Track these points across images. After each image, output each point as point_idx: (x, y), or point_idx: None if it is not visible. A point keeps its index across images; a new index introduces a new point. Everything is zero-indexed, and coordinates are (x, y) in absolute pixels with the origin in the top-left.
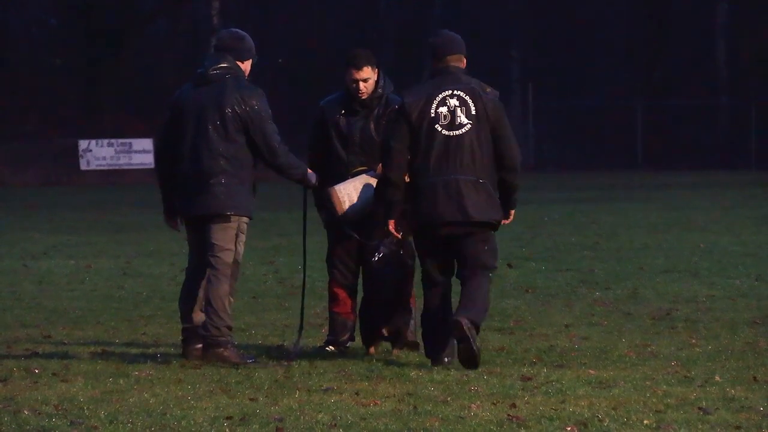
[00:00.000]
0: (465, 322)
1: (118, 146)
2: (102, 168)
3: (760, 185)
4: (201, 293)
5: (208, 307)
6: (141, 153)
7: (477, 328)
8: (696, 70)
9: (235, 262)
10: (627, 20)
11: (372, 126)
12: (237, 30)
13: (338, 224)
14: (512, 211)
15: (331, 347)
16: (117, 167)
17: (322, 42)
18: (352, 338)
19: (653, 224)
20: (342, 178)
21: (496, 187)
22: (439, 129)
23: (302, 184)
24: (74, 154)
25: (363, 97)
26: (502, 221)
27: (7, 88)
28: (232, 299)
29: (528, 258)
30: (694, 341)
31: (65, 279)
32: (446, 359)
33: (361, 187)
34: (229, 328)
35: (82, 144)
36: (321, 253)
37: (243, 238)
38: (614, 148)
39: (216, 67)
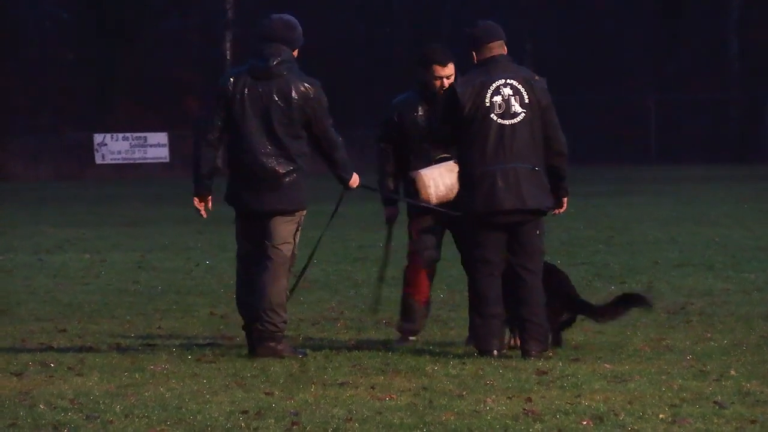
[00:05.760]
0: (537, 355)
1: (132, 140)
2: (117, 162)
3: None
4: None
5: (268, 303)
6: (156, 147)
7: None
8: (708, 64)
9: (293, 255)
10: (640, 14)
11: None
12: (288, 17)
13: (417, 211)
14: (565, 199)
15: (412, 337)
16: (132, 161)
17: (336, 36)
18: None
19: (667, 218)
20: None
21: (546, 174)
22: (495, 118)
23: (348, 185)
24: (88, 148)
25: None
26: (556, 211)
27: (20, 82)
28: (288, 293)
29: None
30: (709, 335)
31: (80, 273)
32: (495, 351)
33: (446, 174)
34: (285, 322)
35: (97, 138)
36: (334, 247)
37: (299, 231)
38: (627, 142)
39: (278, 61)
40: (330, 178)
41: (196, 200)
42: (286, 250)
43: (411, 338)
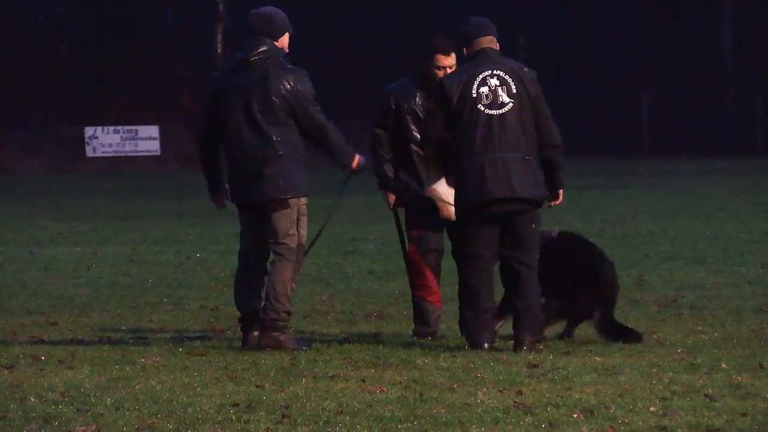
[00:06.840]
0: (530, 346)
1: (124, 133)
2: (108, 155)
3: (765, 172)
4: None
5: (271, 291)
6: (147, 140)
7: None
8: (702, 57)
9: (299, 245)
10: (634, 9)
11: None
12: (264, 11)
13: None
14: (561, 191)
15: (429, 338)
16: (123, 154)
17: (329, 31)
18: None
19: (659, 211)
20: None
21: (539, 165)
22: (482, 109)
23: (348, 167)
24: (80, 141)
25: None
26: (553, 202)
27: (14, 75)
28: (294, 285)
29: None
30: (700, 328)
31: (71, 266)
32: (486, 344)
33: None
34: (288, 313)
35: (88, 131)
36: (326, 240)
37: (304, 220)
38: (620, 135)
39: (256, 52)
40: (328, 173)
41: (211, 197)
42: (291, 242)
43: (422, 340)
